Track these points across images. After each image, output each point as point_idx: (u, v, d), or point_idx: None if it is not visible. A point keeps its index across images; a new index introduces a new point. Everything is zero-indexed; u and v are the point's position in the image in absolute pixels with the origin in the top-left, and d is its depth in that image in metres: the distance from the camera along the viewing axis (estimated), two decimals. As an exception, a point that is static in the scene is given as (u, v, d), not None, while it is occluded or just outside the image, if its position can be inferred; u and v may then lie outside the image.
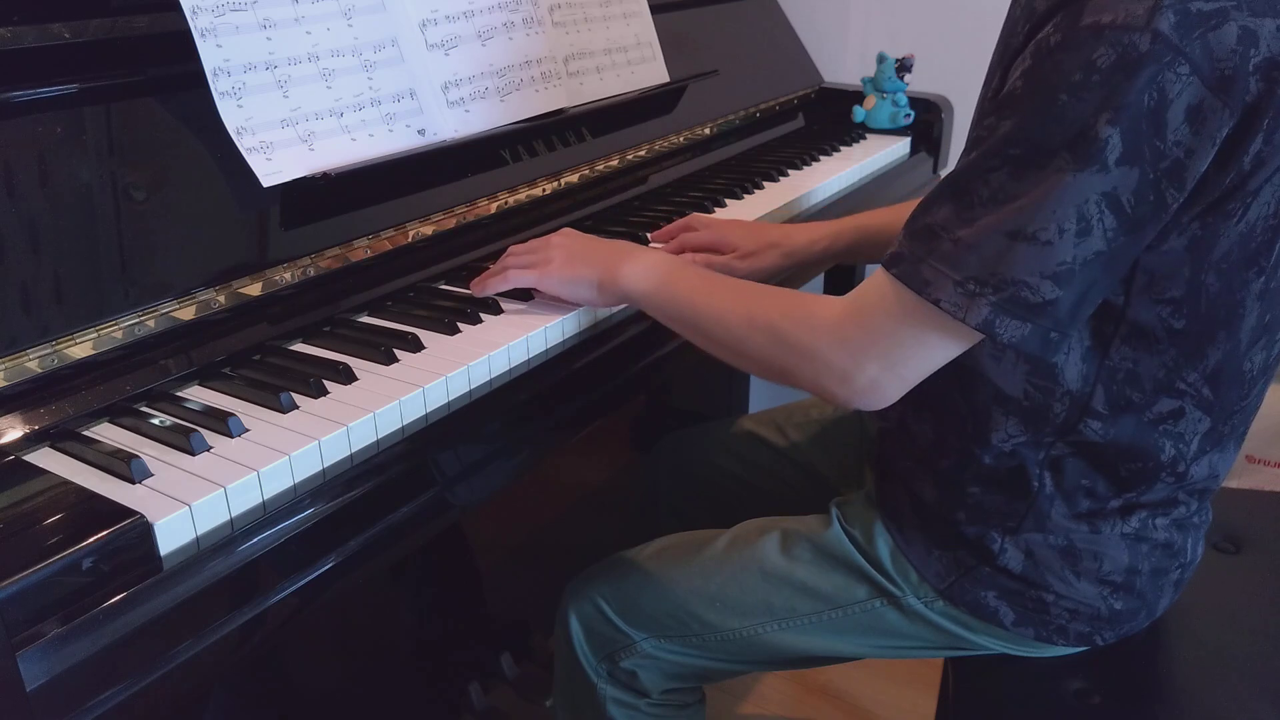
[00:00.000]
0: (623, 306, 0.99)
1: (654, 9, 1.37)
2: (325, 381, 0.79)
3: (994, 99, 0.74)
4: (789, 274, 1.17)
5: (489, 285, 0.96)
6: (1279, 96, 0.67)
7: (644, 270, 0.91)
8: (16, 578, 0.55)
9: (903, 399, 0.79)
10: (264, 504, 0.68)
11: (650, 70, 1.35)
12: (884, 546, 0.94)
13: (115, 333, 0.78)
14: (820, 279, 1.87)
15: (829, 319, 0.79)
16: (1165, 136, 0.66)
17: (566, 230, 1.00)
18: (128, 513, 0.61)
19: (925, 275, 0.72)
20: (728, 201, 1.31)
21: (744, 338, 0.84)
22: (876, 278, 0.77)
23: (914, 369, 0.77)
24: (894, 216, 1.14)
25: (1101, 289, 0.72)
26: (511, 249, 0.99)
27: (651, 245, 1.15)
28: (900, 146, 1.63)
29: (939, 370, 0.78)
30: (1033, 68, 0.69)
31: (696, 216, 1.17)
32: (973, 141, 0.73)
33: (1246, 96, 0.66)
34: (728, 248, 1.12)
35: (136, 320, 0.80)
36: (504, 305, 0.95)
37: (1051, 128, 0.67)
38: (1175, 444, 0.83)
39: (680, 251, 1.15)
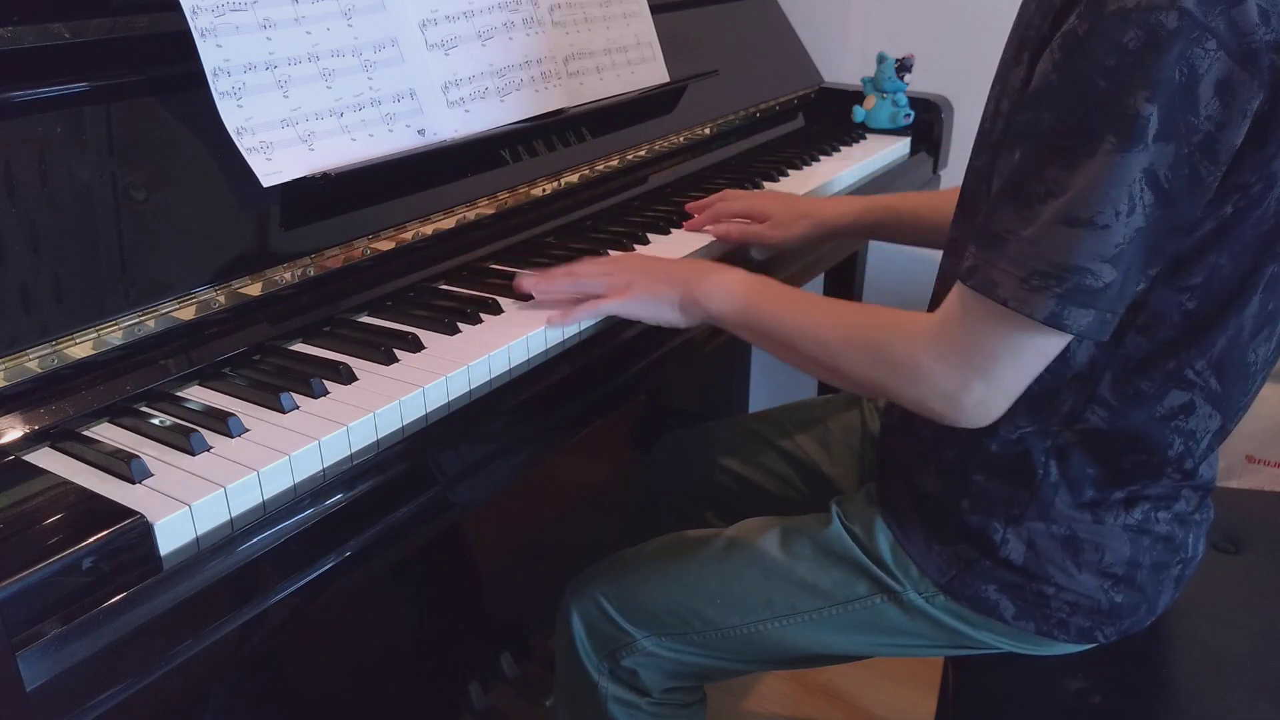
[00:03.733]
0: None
1: (654, 9, 1.37)
2: (325, 381, 0.79)
3: (1022, 90, 0.75)
4: (818, 244, 1.21)
5: (572, 315, 0.91)
6: None
7: (726, 288, 0.91)
8: (16, 578, 0.55)
9: None
10: (264, 504, 0.68)
11: (650, 70, 1.35)
12: (884, 542, 0.94)
13: (115, 333, 0.78)
14: (820, 278, 1.88)
15: (924, 336, 0.79)
16: (1198, 111, 0.67)
17: (634, 255, 1.02)
18: (128, 513, 0.61)
19: (995, 278, 0.73)
20: (728, 201, 1.30)
21: (840, 354, 0.84)
22: (956, 292, 0.77)
23: (1012, 380, 0.77)
24: (926, 201, 1.17)
25: (1141, 267, 0.72)
26: (583, 267, 0.95)
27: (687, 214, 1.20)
28: (900, 146, 1.63)
29: None
30: (1064, 59, 0.70)
31: (730, 190, 1.22)
32: (1015, 137, 0.74)
33: (1274, 72, 0.67)
34: (761, 216, 1.16)
35: (136, 320, 0.80)
36: (504, 305, 0.95)
37: (1094, 113, 0.68)
38: (1185, 441, 0.83)
39: (715, 219, 1.18)
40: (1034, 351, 0.76)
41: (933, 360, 0.78)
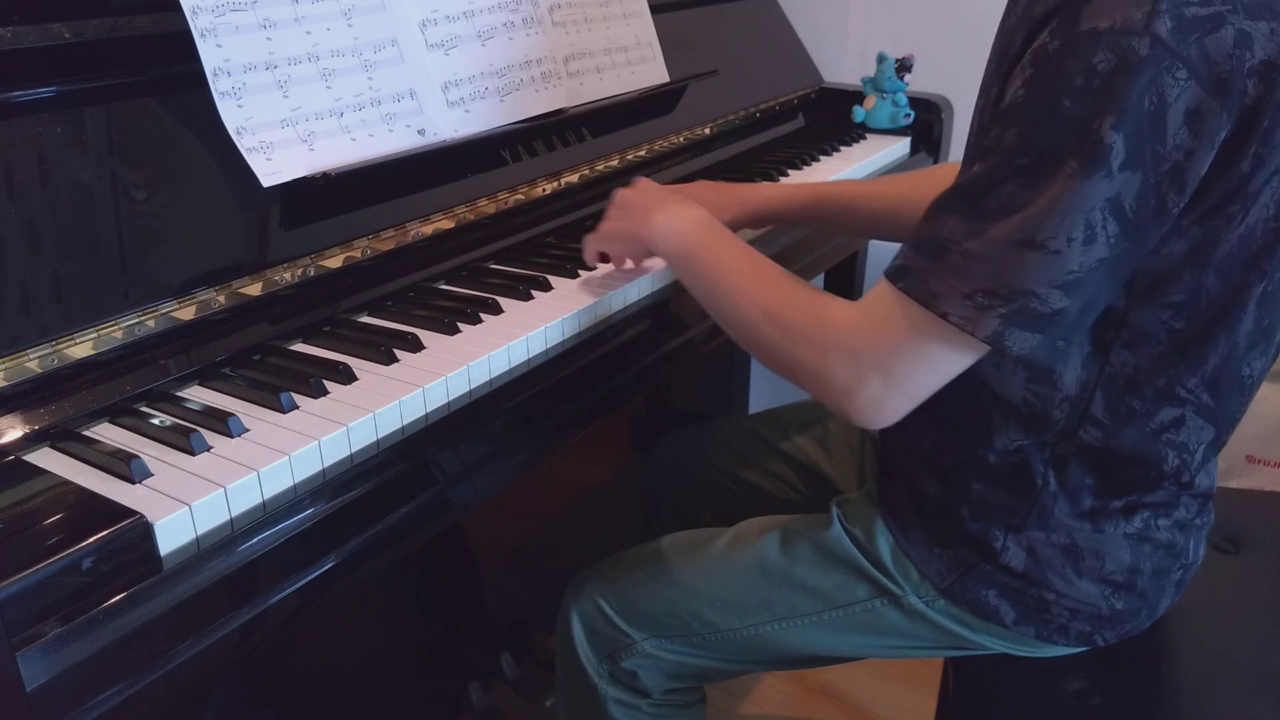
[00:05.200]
0: (623, 307, 1.00)
1: (654, 9, 1.37)
2: (325, 381, 0.79)
3: (994, 108, 0.74)
4: (749, 227, 1.17)
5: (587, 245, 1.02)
6: (1278, 98, 0.67)
7: (673, 229, 0.90)
8: (16, 578, 0.55)
9: None
10: (264, 504, 0.68)
11: (650, 70, 1.35)
12: (885, 545, 0.94)
13: (115, 333, 0.78)
14: (820, 278, 1.88)
15: (839, 325, 0.78)
16: (1165, 140, 0.66)
17: (641, 182, 1.01)
18: (128, 513, 0.61)
19: (933, 288, 0.71)
20: (728, 201, 1.30)
21: (757, 327, 0.83)
22: (882, 290, 0.76)
23: (917, 385, 0.76)
24: (853, 189, 1.16)
25: (1104, 295, 0.72)
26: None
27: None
28: (900, 146, 1.63)
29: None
30: (1034, 76, 0.69)
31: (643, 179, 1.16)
32: (981, 152, 0.72)
33: (1245, 99, 0.66)
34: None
35: (136, 320, 0.80)
36: (504, 305, 0.95)
37: (1057, 134, 0.67)
38: (1179, 454, 0.83)
39: None
40: (949, 362, 0.75)
41: (839, 350, 0.77)
